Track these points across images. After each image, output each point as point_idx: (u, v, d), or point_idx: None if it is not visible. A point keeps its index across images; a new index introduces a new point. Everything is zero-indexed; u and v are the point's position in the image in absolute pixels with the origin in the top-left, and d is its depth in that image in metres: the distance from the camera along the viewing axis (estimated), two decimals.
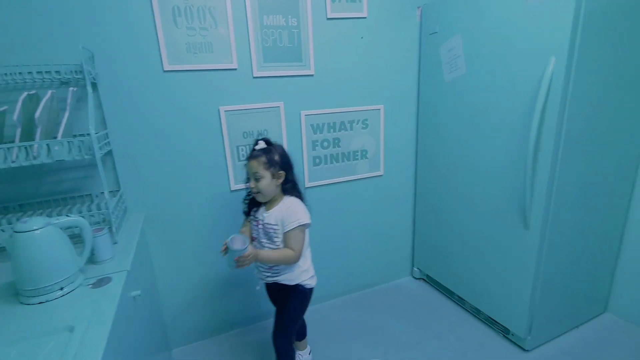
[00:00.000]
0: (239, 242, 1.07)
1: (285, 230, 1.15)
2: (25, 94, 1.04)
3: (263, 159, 1.13)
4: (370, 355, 1.56)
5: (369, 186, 1.91)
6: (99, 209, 1.18)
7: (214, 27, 1.41)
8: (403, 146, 1.95)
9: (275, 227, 1.18)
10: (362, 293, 2.05)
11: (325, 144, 1.74)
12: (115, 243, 1.14)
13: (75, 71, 1.18)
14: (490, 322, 1.68)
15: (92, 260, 1.02)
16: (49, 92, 1.05)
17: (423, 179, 1.97)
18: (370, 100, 1.79)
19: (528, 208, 1.34)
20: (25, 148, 0.98)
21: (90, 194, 1.36)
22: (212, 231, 1.60)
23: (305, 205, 1.22)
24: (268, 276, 1.25)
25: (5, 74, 1.12)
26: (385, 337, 1.67)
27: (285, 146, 1.64)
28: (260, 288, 1.35)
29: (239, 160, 1.58)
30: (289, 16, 1.51)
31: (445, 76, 1.68)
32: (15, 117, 1.00)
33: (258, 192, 1.16)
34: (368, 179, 1.90)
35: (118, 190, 1.38)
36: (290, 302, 1.27)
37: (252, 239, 1.26)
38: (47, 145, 1.00)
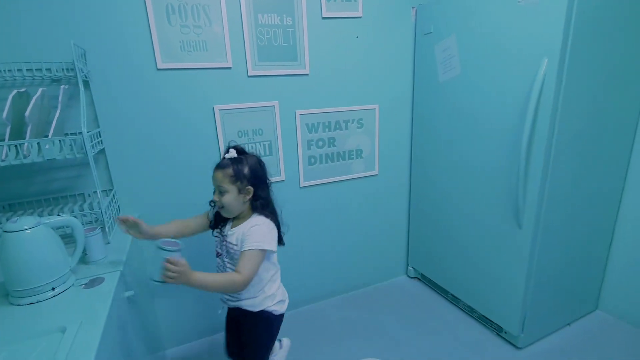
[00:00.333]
0: (170, 244, 0.87)
1: (241, 250, 1.01)
2: (14, 91, 1.02)
3: (229, 170, 1.01)
4: (366, 352, 1.56)
5: (364, 186, 1.92)
6: (91, 208, 1.17)
7: (208, 25, 1.40)
8: (398, 146, 1.96)
9: (235, 247, 1.04)
10: (358, 292, 2.06)
11: (321, 143, 1.74)
12: (108, 243, 1.13)
13: (67, 69, 1.16)
14: (484, 321, 1.69)
15: (84, 260, 1.01)
16: (40, 90, 1.03)
17: (417, 179, 1.98)
18: (365, 100, 1.79)
19: (521, 207, 1.36)
20: (16, 147, 0.97)
21: (82, 194, 1.34)
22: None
23: (280, 226, 1.11)
24: (229, 299, 1.12)
25: None
26: (381, 334, 1.68)
27: (280, 146, 1.66)
28: (222, 312, 1.22)
29: None
30: (284, 15, 1.51)
31: (439, 76, 1.69)
32: (4, 115, 0.98)
33: (222, 207, 1.04)
34: (363, 179, 1.90)
35: (111, 190, 1.37)
36: (254, 330, 1.13)
37: (218, 254, 1.14)
38: (38, 143, 0.98)
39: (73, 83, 1.23)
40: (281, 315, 1.18)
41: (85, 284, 0.90)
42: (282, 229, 1.14)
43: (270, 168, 1.65)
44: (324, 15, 1.58)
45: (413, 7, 1.78)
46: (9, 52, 1.15)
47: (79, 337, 0.69)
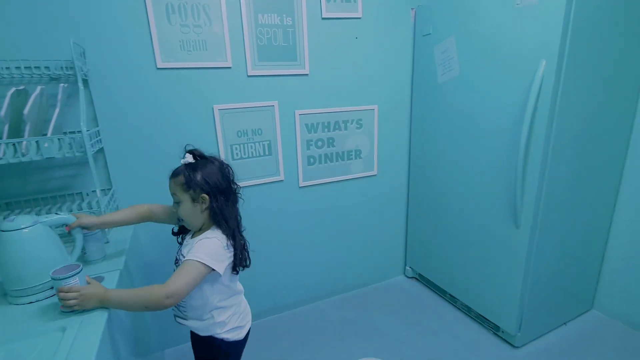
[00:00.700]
0: (65, 270, 0.77)
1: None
2: (13, 89, 1.02)
3: (181, 178, 0.89)
4: (364, 351, 1.57)
5: (362, 186, 1.92)
6: (90, 207, 1.16)
7: (208, 24, 1.39)
8: (397, 146, 1.97)
9: (184, 259, 0.88)
10: (356, 292, 2.06)
11: (320, 143, 1.75)
12: (107, 242, 1.12)
13: (66, 67, 1.16)
14: (481, 320, 1.70)
15: (83, 259, 1.00)
16: (39, 88, 1.03)
17: (416, 179, 1.99)
18: (364, 100, 1.80)
19: (519, 208, 1.37)
20: (14, 145, 0.96)
21: (80, 192, 1.33)
22: None
23: (239, 249, 0.92)
24: (176, 315, 0.98)
25: None
26: (379, 334, 1.69)
27: (280, 146, 1.65)
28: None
29: (233, 159, 1.56)
30: (284, 15, 1.51)
31: (438, 77, 1.70)
32: (2, 113, 0.97)
33: (180, 219, 0.93)
34: (362, 179, 1.91)
35: (110, 189, 1.36)
36: (207, 356, 1.01)
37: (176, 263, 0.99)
38: (37, 142, 0.98)
39: (72, 81, 1.22)
40: (238, 342, 1.01)
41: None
42: (245, 253, 0.96)
43: (269, 168, 1.66)
44: (323, 16, 1.58)
45: (412, 9, 1.79)
46: (8, 50, 1.14)
47: (79, 336, 0.69)
